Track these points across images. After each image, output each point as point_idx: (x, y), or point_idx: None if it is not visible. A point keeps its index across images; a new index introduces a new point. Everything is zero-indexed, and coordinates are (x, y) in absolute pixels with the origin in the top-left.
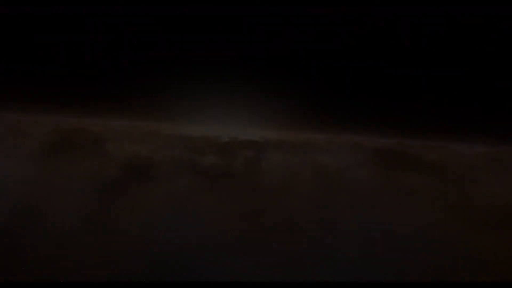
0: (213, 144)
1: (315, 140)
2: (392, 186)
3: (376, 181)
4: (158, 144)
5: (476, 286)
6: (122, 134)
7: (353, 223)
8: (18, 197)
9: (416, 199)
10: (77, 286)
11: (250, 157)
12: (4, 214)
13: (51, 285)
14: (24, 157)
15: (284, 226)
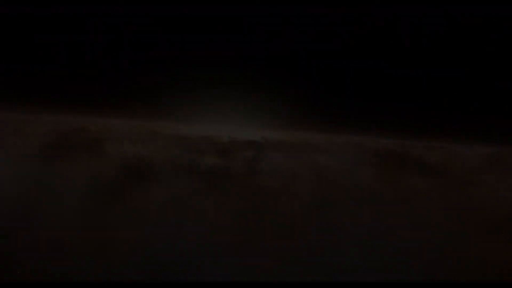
0: (213, 144)
1: (315, 140)
2: (393, 187)
3: (377, 182)
4: (158, 144)
5: (476, 286)
6: (122, 134)
7: (354, 224)
8: (17, 197)
9: (417, 200)
10: (77, 286)
11: (250, 158)
12: (4, 214)
13: (51, 285)
14: (24, 157)
15: (285, 227)
